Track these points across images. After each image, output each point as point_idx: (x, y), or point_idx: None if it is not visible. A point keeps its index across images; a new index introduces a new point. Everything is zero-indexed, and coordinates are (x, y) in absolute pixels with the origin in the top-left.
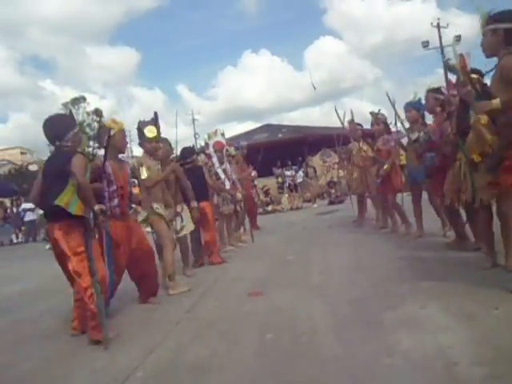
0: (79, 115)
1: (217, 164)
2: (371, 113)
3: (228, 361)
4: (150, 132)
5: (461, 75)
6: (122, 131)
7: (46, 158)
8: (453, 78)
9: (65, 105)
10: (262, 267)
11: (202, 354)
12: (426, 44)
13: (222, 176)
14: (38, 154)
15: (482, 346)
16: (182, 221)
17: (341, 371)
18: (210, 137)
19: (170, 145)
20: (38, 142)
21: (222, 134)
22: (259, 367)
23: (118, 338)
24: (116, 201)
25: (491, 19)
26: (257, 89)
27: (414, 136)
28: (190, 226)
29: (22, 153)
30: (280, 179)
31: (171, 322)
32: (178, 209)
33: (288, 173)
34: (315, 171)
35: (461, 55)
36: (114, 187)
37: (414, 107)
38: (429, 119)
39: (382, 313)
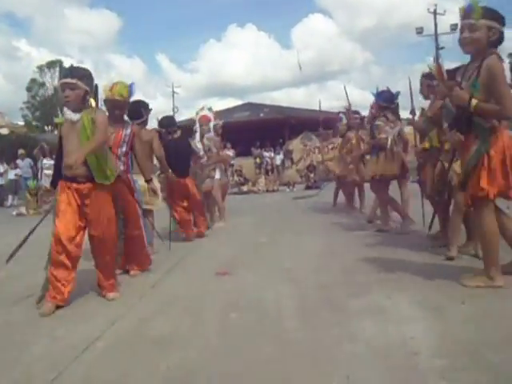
0: (55, 79)
1: (197, 137)
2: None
3: (190, 337)
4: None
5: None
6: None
7: (17, 121)
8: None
9: (40, 67)
10: (232, 247)
11: (164, 328)
12: (420, 30)
13: (201, 151)
14: (10, 117)
15: (445, 339)
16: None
17: (302, 354)
18: (197, 113)
19: None
20: (10, 105)
21: (210, 109)
22: (221, 344)
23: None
24: None
25: (489, 15)
26: (240, 65)
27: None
28: (158, 204)
29: None
30: (258, 160)
31: (135, 295)
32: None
33: (267, 154)
34: (292, 159)
35: (437, 63)
36: None
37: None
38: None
39: (348, 300)
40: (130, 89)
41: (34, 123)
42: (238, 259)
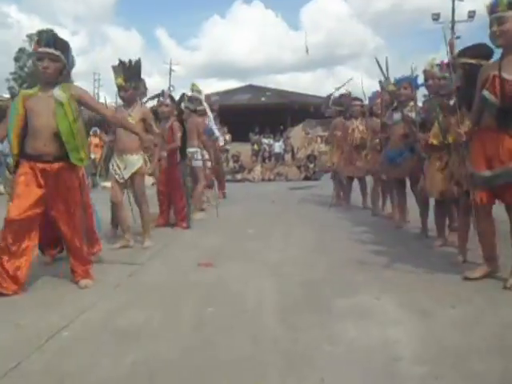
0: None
1: (212, 120)
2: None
3: (161, 330)
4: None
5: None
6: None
7: (2, 93)
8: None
9: (30, 36)
10: (219, 238)
11: (135, 320)
12: (436, 17)
13: (217, 133)
14: None
15: (429, 344)
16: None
17: (277, 353)
18: (200, 93)
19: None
20: None
21: (199, 91)
22: (192, 339)
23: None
24: None
25: None
26: (244, 45)
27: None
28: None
29: None
30: (256, 146)
31: (110, 284)
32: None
33: (266, 141)
34: (292, 151)
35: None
36: None
37: (410, 83)
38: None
39: (333, 299)
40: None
41: None
42: (223, 250)
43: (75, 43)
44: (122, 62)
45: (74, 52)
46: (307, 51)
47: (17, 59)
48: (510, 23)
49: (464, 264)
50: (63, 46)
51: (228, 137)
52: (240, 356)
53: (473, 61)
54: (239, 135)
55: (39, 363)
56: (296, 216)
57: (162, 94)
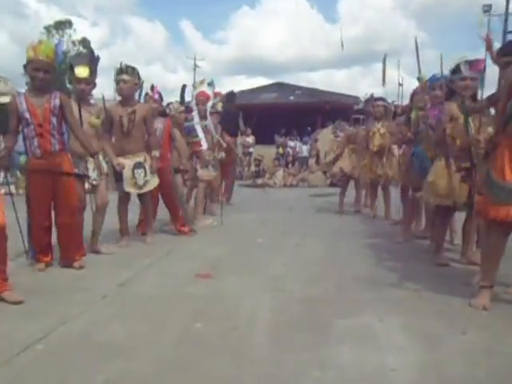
0: (63, 43)
1: (196, 119)
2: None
3: (143, 345)
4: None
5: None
6: (36, 61)
7: (21, 88)
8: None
9: (47, 28)
10: (224, 247)
11: (116, 334)
12: (487, 8)
13: (201, 134)
14: (14, 83)
15: (429, 375)
16: (146, 175)
17: (262, 376)
18: (195, 88)
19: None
20: (14, 69)
21: (210, 84)
22: (174, 357)
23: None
24: (36, 141)
25: None
26: (275, 38)
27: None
28: (154, 181)
29: None
30: (281, 149)
31: (98, 293)
32: (141, 159)
33: (292, 143)
34: (317, 156)
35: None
36: (32, 126)
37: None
38: None
39: (333, 319)
40: (56, 49)
41: None
42: (226, 261)
43: (95, 35)
44: (91, 52)
45: (94, 44)
46: (342, 46)
47: None
48: None
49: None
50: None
51: (251, 139)
52: (219, 378)
53: None
54: (265, 137)
55: (3, 378)
56: (311, 225)
57: (184, 89)
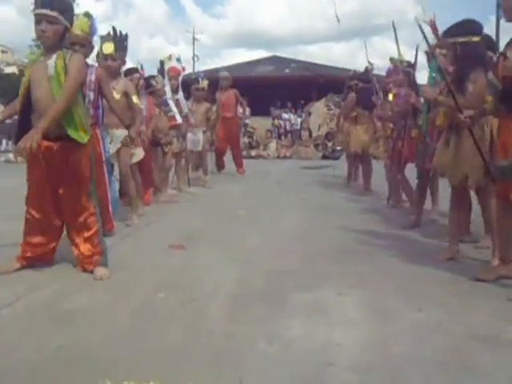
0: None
1: (169, 94)
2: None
3: (101, 314)
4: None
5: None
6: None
7: (27, 60)
8: None
9: None
10: (204, 218)
11: (81, 302)
12: None
13: (174, 108)
14: (20, 55)
15: (374, 350)
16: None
17: (207, 347)
18: (164, 62)
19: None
20: (21, 40)
21: (178, 59)
22: (129, 326)
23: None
24: None
25: None
26: (274, 13)
27: None
28: (139, 153)
29: (2, 51)
30: (277, 122)
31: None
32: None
33: (286, 116)
34: (309, 129)
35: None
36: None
37: None
38: None
39: (292, 292)
40: (91, 23)
41: None
42: (203, 232)
43: (99, 10)
44: (114, 30)
45: (98, 19)
46: (338, 20)
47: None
48: None
49: (451, 260)
50: (62, 6)
51: (247, 111)
52: (168, 348)
53: (464, 39)
54: (261, 109)
55: None
56: (296, 199)
57: (162, 64)
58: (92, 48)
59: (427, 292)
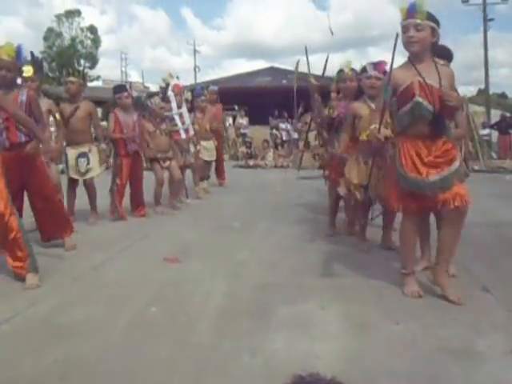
0: (72, 30)
1: (175, 109)
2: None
3: (95, 328)
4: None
5: None
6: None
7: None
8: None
9: (58, 16)
10: (198, 231)
11: (77, 316)
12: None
13: (179, 124)
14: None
15: (350, 363)
16: (88, 163)
17: (193, 360)
18: (165, 80)
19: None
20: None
21: (178, 77)
22: (122, 340)
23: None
24: (4, 134)
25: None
26: (271, 24)
27: None
28: (96, 170)
29: None
30: (275, 131)
31: (70, 276)
32: (86, 149)
33: (282, 125)
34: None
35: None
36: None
37: None
38: None
39: (279, 306)
40: (17, 50)
41: (50, 74)
42: (197, 245)
43: (103, 22)
44: (32, 55)
45: (101, 31)
46: (332, 33)
47: (45, 38)
48: (426, 32)
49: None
50: None
51: (245, 121)
52: (156, 361)
53: None
54: (261, 119)
55: None
56: (291, 210)
57: (167, 86)
58: (20, 73)
59: (405, 305)
